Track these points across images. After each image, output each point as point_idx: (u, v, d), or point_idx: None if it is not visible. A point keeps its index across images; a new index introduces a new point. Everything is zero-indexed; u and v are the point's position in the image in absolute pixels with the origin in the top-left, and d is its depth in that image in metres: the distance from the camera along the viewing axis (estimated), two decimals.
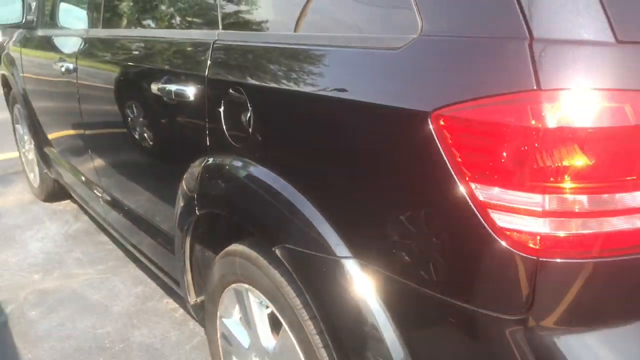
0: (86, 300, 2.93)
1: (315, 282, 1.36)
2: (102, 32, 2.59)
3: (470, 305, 1.08)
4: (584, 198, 0.96)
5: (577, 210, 0.96)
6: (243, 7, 1.72)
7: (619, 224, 0.97)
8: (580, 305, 1.02)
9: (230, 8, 1.75)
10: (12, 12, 3.30)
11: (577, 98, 0.93)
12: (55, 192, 4.04)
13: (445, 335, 1.17)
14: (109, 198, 2.82)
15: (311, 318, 1.41)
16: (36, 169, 4.09)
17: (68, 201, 4.16)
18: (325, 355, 1.39)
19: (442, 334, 1.18)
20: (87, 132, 2.81)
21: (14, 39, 4.05)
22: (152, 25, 2.27)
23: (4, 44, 4.31)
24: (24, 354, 2.53)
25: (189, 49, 1.85)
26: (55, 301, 2.93)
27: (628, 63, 0.95)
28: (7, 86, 4.29)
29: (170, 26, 2.12)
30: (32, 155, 4.10)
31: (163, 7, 2.21)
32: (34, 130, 3.78)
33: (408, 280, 1.17)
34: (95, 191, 2.98)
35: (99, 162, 2.82)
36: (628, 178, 0.95)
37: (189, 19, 1.99)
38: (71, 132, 3.06)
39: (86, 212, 3.78)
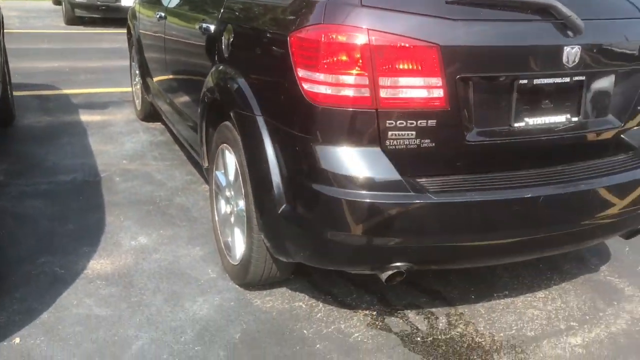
0: (152, 178, 4.27)
1: (246, 129, 2.54)
2: None
3: (298, 132, 2.21)
4: (338, 78, 2.07)
5: (334, 82, 2.07)
6: None
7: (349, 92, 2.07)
8: (342, 134, 2.12)
9: None
10: None
11: (338, 30, 2.04)
12: (151, 114, 5.45)
13: (290, 148, 2.29)
14: (174, 108, 4.13)
15: (243, 152, 2.59)
16: (140, 95, 5.52)
17: (159, 123, 5.57)
18: (246, 172, 2.56)
19: (289, 147, 2.30)
20: (168, 58, 4.13)
21: None
22: None
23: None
24: (106, 196, 3.89)
25: (213, 2, 3.09)
26: (132, 176, 4.29)
27: (364, 15, 2.04)
28: (129, 33, 5.76)
29: None
30: (138, 86, 5.54)
31: None
32: (140, 64, 5.20)
33: (279, 123, 2.31)
34: (169, 106, 4.31)
35: (170, 81, 4.15)
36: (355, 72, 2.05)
37: None
38: (159, 61, 4.41)
39: (168, 129, 5.15)
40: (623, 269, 3.25)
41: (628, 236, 2.78)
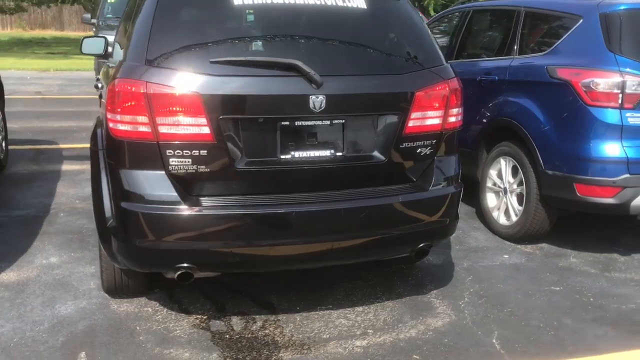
0: (91, 214, 5.00)
1: (92, 161, 3.21)
2: None
3: (111, 160, 2.87)
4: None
5: (126, 121, 2.74)
6: None
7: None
8: (136, 161, 2.79)
9: None
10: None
11: (126, 82, 2.73)
12: None
13: (110, 174, 2.95)
14: None
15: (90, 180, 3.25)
16: None
17: None
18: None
19: (110, 173, 2.95)
20: None
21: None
22: None
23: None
24: (45, 227, 4.63)
25: None
26: (75, 212, 5.03)
27: (145, 71, 2.72)
28: None
29: None
30: None
31: None
32: None
33: (105, 153, 2.98)
34: None
35: None
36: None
37: None
38: None
39: None
40: (451, 292, 3.68)
41: (416, 257, 3.26)
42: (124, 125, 2.75)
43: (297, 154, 2.91)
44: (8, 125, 7.16)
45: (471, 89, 4.97)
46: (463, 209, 5.28)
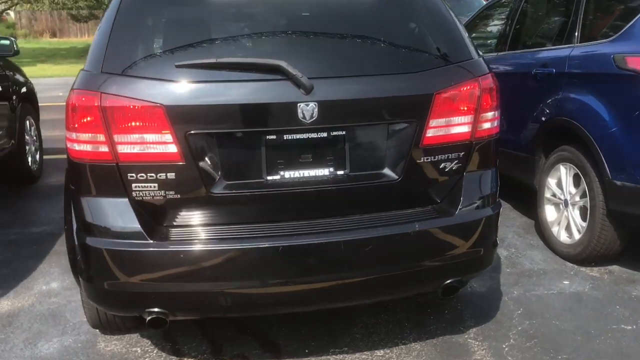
0: None
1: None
2: None
3: (71, 186, 2.45)
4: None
5: (81, 140, 2.31)
6: None
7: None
8: (94, 187, 2.36)
9: None
10: None
11: (80, 94, 2.29)
12: None
13: (74, 202, 2.53)
14: None
15: None
16: None
17: None
18: None
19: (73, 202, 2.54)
20: None
21: None
22: None
23: None
24: (56, 247, 4.33)
25: None
26: None
27: (100, 80, 2.28)
28: None
29: None
30: None
31: None
32: None
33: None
34: None
35: None
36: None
37: None
38: None
39: None
40: (494, 330, 3.06)
41: (443, 295, 2.67)
42: (80, 145, 2.33)
43: (288, 174, 2.40)
44: (48, 133, 7.06)
45: (527, 84, 4.30)
46: (520, 221, 4.59)
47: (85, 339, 3.06)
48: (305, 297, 2.47)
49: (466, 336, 3.03)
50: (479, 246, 2.60)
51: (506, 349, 2.91)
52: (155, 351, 2.95)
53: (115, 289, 2.38)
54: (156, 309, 2.38)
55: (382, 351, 2.91)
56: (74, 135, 2.34)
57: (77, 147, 2.34)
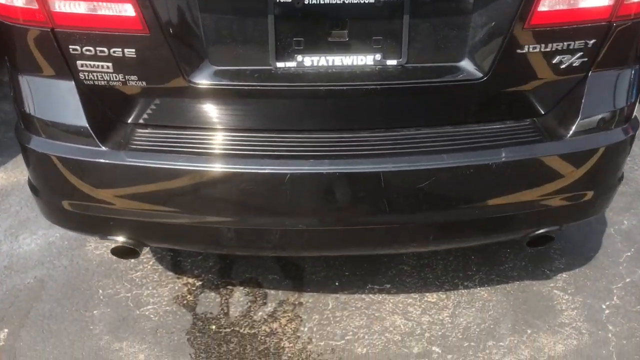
0: None
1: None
2: None
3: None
4: None
5: None
6: None
7: None
8: (27, 59, 1.61)
9: None
10: None
11: None
12: None
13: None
14: None
15: None
16: None
17: None
18: None
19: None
20: None
21: None
22: None
23: None
24: None
25: None
26: None
27: None
28: None
29: None
30: None
31: None
32: None
33: None
34: None
35: None
36: None
37: None
38: None
39: None
40: (591, 282, 2.27)
41: (531, 244, 1.86)
42: None
43: (308, 61, 1.54)
44: None
45: None
46: None
47: (74, 237, 2.51)
48: (322, 242, 1.73)
49: (552, 285, 2.25)
50: (598, 186, 1.73)
51: (607, 311, 2.13)
52: (151, 262, 2.37)
53: (64, 207, 1.72)
54: (119, 237, 1.73)
55: (434, 295, 2.20)
56: None
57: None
